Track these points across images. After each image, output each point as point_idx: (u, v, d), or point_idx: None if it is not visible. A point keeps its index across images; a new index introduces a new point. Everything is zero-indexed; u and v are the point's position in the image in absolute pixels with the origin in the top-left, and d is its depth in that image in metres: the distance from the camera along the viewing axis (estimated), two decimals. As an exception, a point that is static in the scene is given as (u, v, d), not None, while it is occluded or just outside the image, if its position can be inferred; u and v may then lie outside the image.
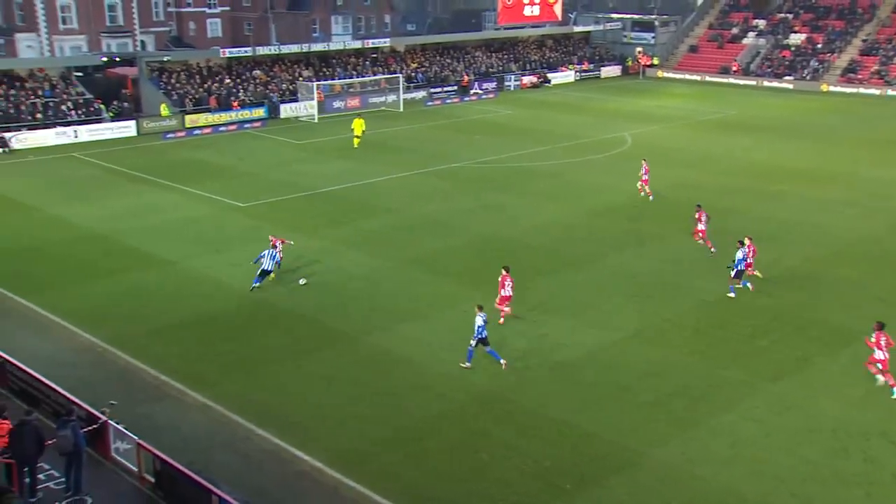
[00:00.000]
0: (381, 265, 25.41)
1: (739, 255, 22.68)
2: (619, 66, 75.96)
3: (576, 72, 71.74)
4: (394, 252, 26.56)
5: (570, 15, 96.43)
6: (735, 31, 74.85)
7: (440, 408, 17.18)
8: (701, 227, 26.09)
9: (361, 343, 20.11)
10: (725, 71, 70.57)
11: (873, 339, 17.81)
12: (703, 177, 36.44)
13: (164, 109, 47.63)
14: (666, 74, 73.15)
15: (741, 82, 68.34)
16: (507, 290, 20.72)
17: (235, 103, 50.21)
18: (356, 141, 43.99)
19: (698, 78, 70.83)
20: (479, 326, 18.15)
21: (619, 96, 62.39)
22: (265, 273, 23.22)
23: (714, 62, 72.59)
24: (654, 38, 78.55)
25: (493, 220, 29.82)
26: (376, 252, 26.50)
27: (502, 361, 18.55)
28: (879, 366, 17.76)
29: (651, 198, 31.96)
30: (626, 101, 59.59)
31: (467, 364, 18.59)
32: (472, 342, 18.40)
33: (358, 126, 43.95)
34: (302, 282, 23.10)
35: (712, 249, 25.81)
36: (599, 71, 73.97)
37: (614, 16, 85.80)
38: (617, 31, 79.06)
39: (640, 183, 32.37)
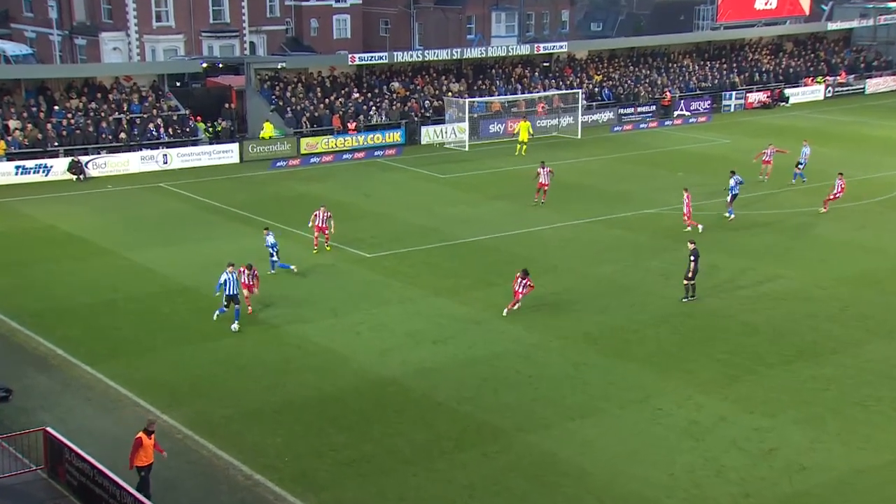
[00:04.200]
0: (542, 341, 25.64)
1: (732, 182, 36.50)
2: (897, 77, 72.93)
3: (828, 86, 69.68)
4: (560, 325, 26.75)
5: (824, 7, 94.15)
6: None
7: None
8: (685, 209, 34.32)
9: (518, 443, 20.32)
10: None
11: None
12: None
13: (267, 129, 50.80)
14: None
15: None
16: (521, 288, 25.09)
17: (352, 125, 52.38)
18: (522, 148, 48.17)
19: None
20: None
21: (894, 120, 59.83)
22: (231, 299, 26.08)
23: None
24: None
25: (697, 287, 29.34)
26: (536, 324, 26.75)
27: (292, 267, 21.99)
28: None
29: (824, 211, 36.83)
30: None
31: None
32: None
33: (524, 130, 48.49)
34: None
35: (699, 228, 34.34)
36: (864, 84, 71.47)
37: (893, 4, 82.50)
38: (895, 26, 76.04)
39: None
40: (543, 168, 39.69)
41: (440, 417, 21.47)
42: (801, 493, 18.34)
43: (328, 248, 33.03)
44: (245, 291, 26.82)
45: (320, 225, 32.81)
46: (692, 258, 28.01)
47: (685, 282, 28.33)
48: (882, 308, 27.77)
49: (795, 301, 28.44)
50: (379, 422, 21.29)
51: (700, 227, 35.03)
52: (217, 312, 26.57)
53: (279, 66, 55.64)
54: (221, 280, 26.15)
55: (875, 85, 71.66)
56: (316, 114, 53.29)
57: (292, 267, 30.93)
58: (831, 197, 37.68)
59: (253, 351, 25.29)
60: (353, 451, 19.98)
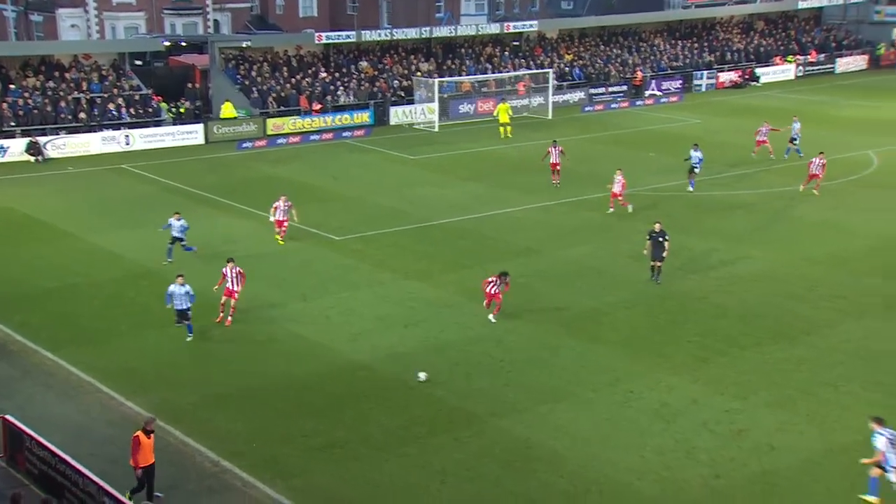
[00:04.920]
0: (514, 325, 25.71)
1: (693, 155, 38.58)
2: (866, 56, 73.75)
3: (798, 65, 70.23)
4: (533, 308, 26.84)
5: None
6: None
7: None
8: (616, 189, 34.63)
9: (490, 427, 20.40)
10: None
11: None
12: None
13: (228, 110, 50.34)
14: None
15: None
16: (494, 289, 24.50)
17: (317, 107, 52.10)
18: (507, 130, 49.21)
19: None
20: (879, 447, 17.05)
21: (863, 99, 60.55)
22: (181, 315, 24.44)
23: None
24: (920, 14, 75.76)
25: (668, 269, 29.53)
26: (510, 307, 26.82)
27: None
28: None
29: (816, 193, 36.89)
30: (873, 107, 57.77)
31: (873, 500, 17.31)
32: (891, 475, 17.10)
33: (503, 112, 48.89)
34: (422, 377, 22.43)
35: (629, 208, 34.85)
36: (834, 63, 72.14)
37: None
38: (865, 4, 76.78)
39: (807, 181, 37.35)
40: (555, 147, 39.51)
41: (412, 403, 21.50)
42: (770, 473, 18.55)
43: (281, 243, 32.05)
44: (230, 300, 25.22)
45: (280, 219, 31.95)
46: (660, 239, 28.17)
47: (652, 263, 28.53)
48: (852, 288, 28.09)
49: (767, 282, 28.71)
50: (350, 407, 21.28)
51: (630, 207, 35.31)
52: (187, 338, 24.80)
53: (244, 45, 55.37)
54: (168, 292, 24.43)
55: (845, 64, 72.36)
56: (282, 94, 52.96)
57: (195, 248, 30.47)
58: (813, 175, 37.65)
59: (220, 336, 25.16)
60: (323, 437, 19.97)
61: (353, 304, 27.12)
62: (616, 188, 35.01)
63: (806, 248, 31.76)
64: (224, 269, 25.43)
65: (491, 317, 25.60)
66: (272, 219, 32.15)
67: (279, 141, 49.63)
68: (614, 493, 17.98)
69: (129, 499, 16.74)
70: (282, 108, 52.24)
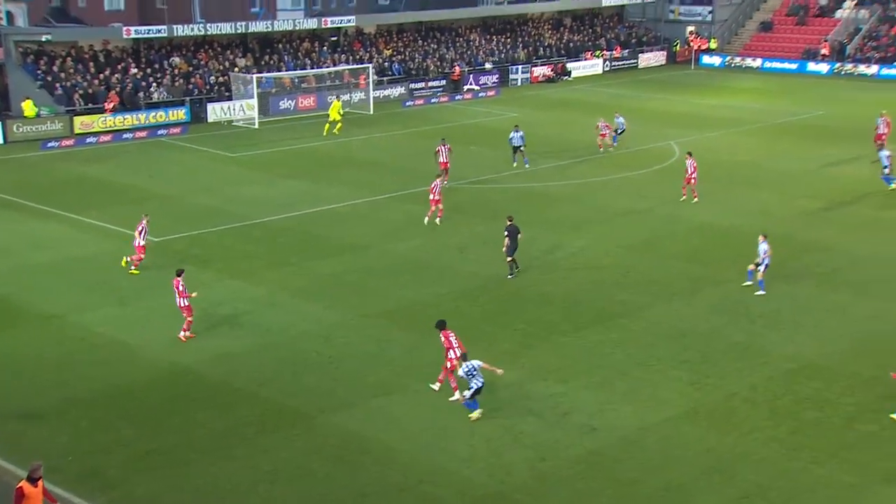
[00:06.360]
0: (343, 320, 25.62)
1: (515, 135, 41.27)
2: (665, 52, 77.49)
3: (605, 60, 73.06)
4: (359, 303, 26.80)
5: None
6: (824, 0, 76.30)
7: (426, 516, 17.26)
8: (435, 197, 33.21)
9: (320, 424, 20.24)
10: (811, 56, 72.01)
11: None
12: (778, 201, 37.07)
13: (28, 108, 47.98)
14: (728, 61, 74.48)
15: (833, 72, 69.67)
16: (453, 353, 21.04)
17: (109, 105, 49.51)
18: (336, 127, 48.56)
19: (773, 66, 72.18)
20: (465, 372, 20.00)
21: (664, 92, 63.47)
22: None
23: (795, 44, 74.12)
24: (711, 12, 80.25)
25: (492, 259, 30.12)
26: (336, 303, 26.70)
27: (473, 414, 20.20)
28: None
29: (696, 199, 36.20)
30: (673, 100, 60.61)
31: (475, 413, 20.22)
32: (465, 394, 20.17)
33: (334, 109, 48.52)
34: None
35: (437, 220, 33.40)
36: (637, 59, 75.44)
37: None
38: (661, 3, 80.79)
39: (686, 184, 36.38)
40: (444, 146, 38.84)
41: (239, 404, 21.09)
42: (593, 453, 19.18)
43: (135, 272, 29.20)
44: (185, 316, 24.12)
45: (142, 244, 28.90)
46: (507, 234, 28.32)
47: (508, 259, 28.61)
48: (661, 272, 29.35)
49: (586, 270, 29.65)
50: (174, 413, 20.68)
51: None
52: None
53: (44, 39, 52.55)
54: None
55: (646, 59, 75.79)
56: (90, 90, 50.76)
57: None
58: (688, 180, 36.36)
59: (29, 346, 23.96)
60: (145, 445, 19.33)
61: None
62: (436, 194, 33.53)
63: (620, 235, 32.96)
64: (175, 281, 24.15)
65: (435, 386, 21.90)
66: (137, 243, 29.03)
67: (89, 140, 47.63)
68: (446, 482, 18.19)
69: None
70: (90, 105, 50.07)
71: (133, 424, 20.19)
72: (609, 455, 19.16)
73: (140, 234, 28.71)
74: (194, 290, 24.53)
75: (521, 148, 41.79)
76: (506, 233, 28.53)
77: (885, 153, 38.51)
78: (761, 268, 27.26)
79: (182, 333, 24.27)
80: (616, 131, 46.11)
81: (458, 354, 20.70)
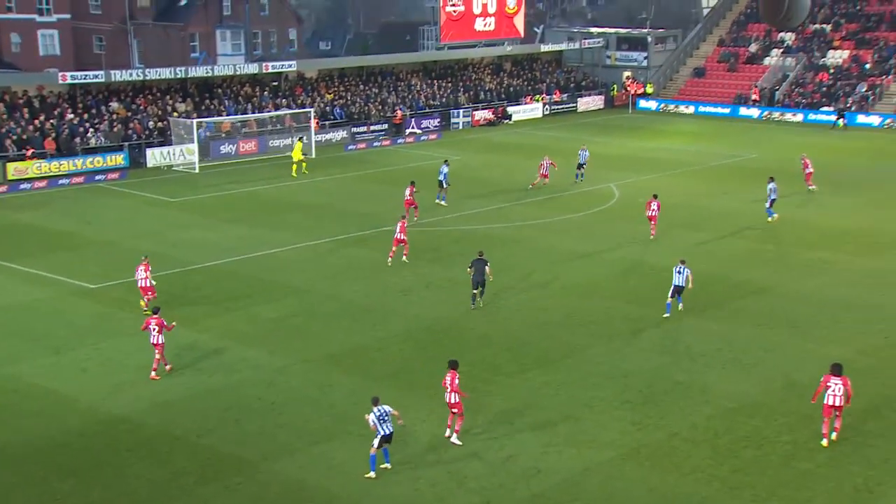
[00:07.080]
0: (286, 366, 25.36)
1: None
2: (602, 97, 78.75)
3: (545, 104, 74.04)
4: (302, 347, 26.58)
5: (536, 30, 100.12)
6: (754, 48, 78.65)
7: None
8: (400, 235, 33.53)
9: (262, 472, 19.92)
10: (742, 101, 73.81)
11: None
12: (714, 240, 37.68)
13: None
14: (664, 106, 75.96)
15: (763, 116, 71.39)
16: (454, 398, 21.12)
17: (29, 152, 48.36)
18: (302, 167, 49.89)
19: (707, 111, 73.77)
20: (377, 417, 19.43)
21: (603, 136, 64.34)
22: None
23: (727, 90, 75.95)
24: (646, 58, 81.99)
25: (436, 301, 30.12)
26: (279, 347, 26.43)
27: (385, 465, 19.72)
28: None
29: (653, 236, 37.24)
30: (611, 143, 61.48)
31: (371, 473, 19.49)
32: (374, 444, 19.52)
33: (296, 150, 49.75)
34: None
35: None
36: (576, 102, 76.55)
37: (594, 30, 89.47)
38: (598, 49, 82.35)
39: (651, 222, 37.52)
40: (411, 186, 39.49)
41: (179, 453, 20.68)
42: (537, 496, 19.12)
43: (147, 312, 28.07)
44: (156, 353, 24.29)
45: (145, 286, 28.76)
46: (472, 267, 29.14)
47: (474, 291, 29.38)
48: (602, 313, 29.56)
49: (530, 311, 29.75)
50: (110, 464, 20.19)
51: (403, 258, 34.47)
52: None
53: (-26, 85, 51.87)
54: None
55: (585, 103, 76.96)
56: (24, 136, 50.00)
57: None
58: (651, 218, 37.16)
59: (-36, 397, 23.27)
60: (79, 499, 18.83)
61: (112, 354, 25.85)
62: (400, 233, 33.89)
63: (563, 277, 33.19)
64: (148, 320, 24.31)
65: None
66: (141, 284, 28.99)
67: (22, 186, 46.85)
68: (390, 529, 17.97)
69: None
70: (23, 151, 49.26)
71: (66, 477, 19.66)
72: (553, 498, 19.11)
73: (145, 275, 28.61)
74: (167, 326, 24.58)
75: (444, 183, 42.64)
76: (469, 265, 29.18)
77: (771, 185, 40.23)
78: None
79: (153, 373, 24.28)
80: (580, 165, 48.01)
81: (449, 400, 20.91)
